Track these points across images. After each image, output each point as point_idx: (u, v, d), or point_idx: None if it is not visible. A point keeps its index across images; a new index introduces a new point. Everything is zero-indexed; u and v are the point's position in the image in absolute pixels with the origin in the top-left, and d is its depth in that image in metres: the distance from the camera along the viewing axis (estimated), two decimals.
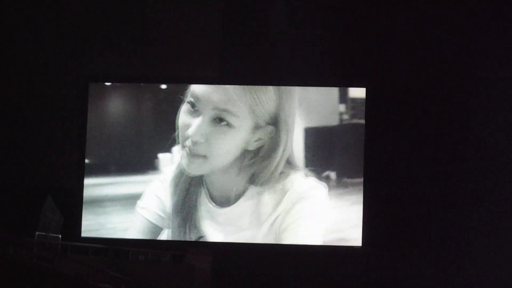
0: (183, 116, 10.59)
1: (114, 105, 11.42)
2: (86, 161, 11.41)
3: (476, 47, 11.80)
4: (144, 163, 11.20)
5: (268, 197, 10.73)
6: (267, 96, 10.66)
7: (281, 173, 10.71)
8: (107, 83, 11.51)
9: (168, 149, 11.04)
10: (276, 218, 10.69)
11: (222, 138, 10.53)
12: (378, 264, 11.70)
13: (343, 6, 11.97)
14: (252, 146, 10.61)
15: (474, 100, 11.80)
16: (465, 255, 11.64)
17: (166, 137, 10.92)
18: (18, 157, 12.45)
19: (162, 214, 10.84)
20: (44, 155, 12.39)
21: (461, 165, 11.76)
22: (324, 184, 10.81)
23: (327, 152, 11.12)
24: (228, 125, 10.50)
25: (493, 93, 11.77)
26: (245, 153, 10.63)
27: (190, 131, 10.48)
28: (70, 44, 12.43)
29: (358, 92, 11.21)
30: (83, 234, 11.43)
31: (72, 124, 11.89)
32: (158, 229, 10.88)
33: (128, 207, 11.04)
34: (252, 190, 10.74)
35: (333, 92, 11.18)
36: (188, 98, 10.64)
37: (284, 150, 10.62)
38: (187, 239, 10.89)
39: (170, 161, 11.02)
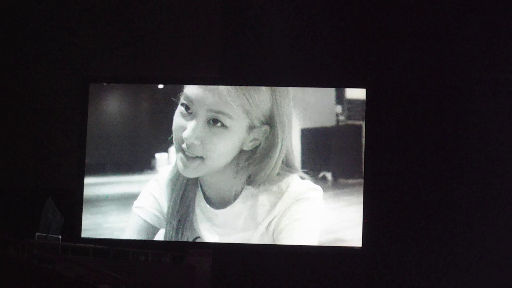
0: (178, 119, 10.56)
1: (114, 106, 11.41)
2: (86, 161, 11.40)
3: (476, 48, 11.78)
4: (141, 163, 11.19)
5: (264, 198, 10.71)
6: (261, 96, 10.63)
7: (277, 174, 10.69)
8: (107, 84, 11.49)
9: (165, 149, 11.02)
10: (273, 219, 10.68)
11: (217, 140, 10.50)
12: (378, 264, 11.70)
13: (343, 7, 11.96)
14: (247, 147, 10.58)
15: (475, 101, 11.78)
16: (466, 255, 11.62)
17: (164, 137, 10.90)
18: (18, 158, 12.45)
19: (158, 214, 10.81)
20: (44, 156, 12.40)
21: (461, 165, 11.74)
22: (319, 187, 10.78)
23: (324, 153, 11.10)
24: (223, 126, 10.47)
25: (493, 94, 11.75)
26: (241, 154, 10.61)
27: (185, 134, 10.44)
28: (70, 44, 12.43)
29: (355, 93, 11.20)
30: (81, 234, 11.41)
31: (72, 125, 11.88)
32: (154, 229, 10.85)
33: (125, 207, 11.01)
34: (249, 191, 10.72)
35: (330, 92, 11.17)
36: (182, 100, 10.61)
37: (280, 150, 10.59)
38: (183, 239, 10.86)
39: (167, 161, 11.00)
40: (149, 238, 10.87)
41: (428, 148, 11.78)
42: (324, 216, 10.81)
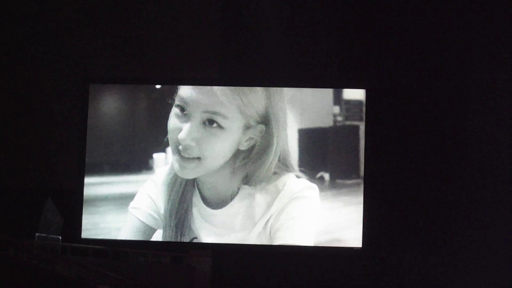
0: (173, 120, 10.54)
1: (113, 106, 11.41)
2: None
3: (476, 49, 11.77)
4: (139, 163, 11.19)
5: (261, 198, 10.70)
6: (255, 95, 10.63)
7: (274, 173, 10.69)
8: (106, 84, 11.50)
9: (163, 149, 11.02)
10: (269, 218, 10.67)
11: (214, 140, 10.49)
12: (378, 265, 11.70)
13: (342, 7, 11.96)
14: (243, 146, 10.57)
15: (474, 101, 11.77)
16: (466, 255, 11.59)
17: (163, 137, 10.89)
18: (18, 158, 12.46)
19: (155, 215, 10.79)
20: (44, 156, 12.40)
21: (460, 166, 11.74)
22: (315, 185, 10.78)
23: (321, 153, 11.09)
24: (219, 127, 10.46)
25: (492, 95, 11.75)
26: (237, 153, 10.61)
27: (181, 135, 10.44)
28: (70, 45, 12.44)
29: (353, 94, 11.19)
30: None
31: (72, 125, 11.89)
32: (150, 230, 10.84)
33: (122, 207, 11.01)
34: (246, 190, 10.71)
35: (328, 93, 11.17)
36: (176, 102, 10.60)
37: (276, 149, 10.59)
38: (181, 240, 10.86)
39: (164, 161, 11.00)
40: (146, 239, 10.86)
41: (428, 148, 11.77)
42: (321, 215, 10.80)
